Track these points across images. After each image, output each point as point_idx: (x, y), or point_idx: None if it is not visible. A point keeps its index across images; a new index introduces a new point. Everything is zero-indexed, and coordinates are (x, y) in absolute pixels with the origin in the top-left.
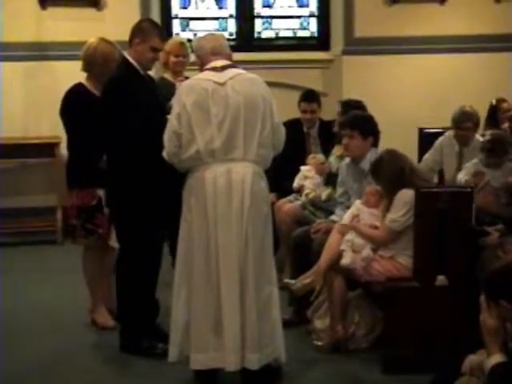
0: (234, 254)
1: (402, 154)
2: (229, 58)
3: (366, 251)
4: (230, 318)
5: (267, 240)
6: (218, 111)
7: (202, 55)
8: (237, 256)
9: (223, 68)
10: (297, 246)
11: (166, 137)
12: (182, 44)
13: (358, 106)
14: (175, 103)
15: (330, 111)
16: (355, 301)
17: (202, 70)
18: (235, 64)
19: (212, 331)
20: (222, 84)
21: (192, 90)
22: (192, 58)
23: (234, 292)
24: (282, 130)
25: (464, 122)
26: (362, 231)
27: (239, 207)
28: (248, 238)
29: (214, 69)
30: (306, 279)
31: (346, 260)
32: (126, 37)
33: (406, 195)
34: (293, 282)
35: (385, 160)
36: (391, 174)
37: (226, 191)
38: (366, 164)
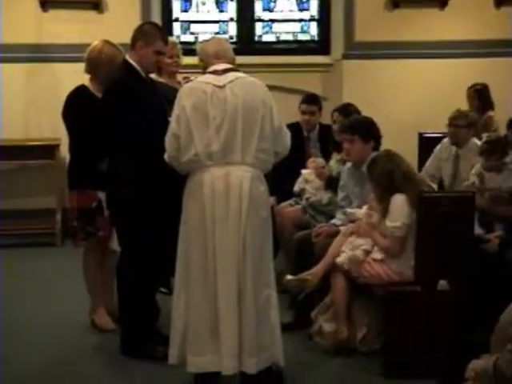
0: (231, 257)
1: (397, 157)
2: (232, 62)
3: (357, 252)
4: (227, 322)
5: (266, 244)
6: (217, 114)
7: (205, 58)
8: (235, 260)
9: (224, 71)
10: (298, 250)
11: (167, 139)
12: (174, 45)
13: (354, 111)
14: (175, 105)
15: (329, 115)
16: (364, 302)
17: (204, 73)
18: (237, 68)
19: (209, 335)
20: (222, 87)
21: (192, 92)
22: (186, 60)
23: (231, 295)
24: (286, 134)
25: (456, 118)
26: (375, 240)
27: (237, 211)
28: (246, 241)
29: (215, 72)
30: (303, 277)
31: (339, 259)
32: (126, 39)
33: (398, 201)
34: (292, 277)
35: (378, 161)
36: (381, 175)
37: (224, 195)
38: None
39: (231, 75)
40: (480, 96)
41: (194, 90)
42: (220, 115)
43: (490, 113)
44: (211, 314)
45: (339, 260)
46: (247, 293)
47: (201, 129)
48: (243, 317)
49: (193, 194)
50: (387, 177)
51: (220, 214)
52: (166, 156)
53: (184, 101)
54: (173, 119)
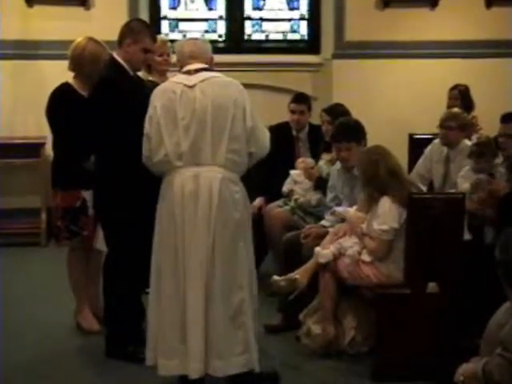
0: (200, 259)
1: (386, 152)
2: (209, 62)
3: (352, 250)
4: (193, 325)
5: (239, 246)
6: (185, 114)
7: (181, 58)
8: (203, 262)
9: (196, 71)
10: (287, 251)
11: (143, 140)
12: (164, 43)
13: (343, 111)
14: (149, 106)
15: (319, 115)
16: (352, 304)
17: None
18: (212, 68)
19: (178, 338)
20: (191, 87)
21: (163, 93)
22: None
23: (198, 298)
24: (261, 135)
25: (447, 120)
26: (365, 244)
27: (206, 212)
28: (215, 243)
29: (188, 72)
30: (291, 276)
31: (322, 258)
32: (113, 37)
33: (386, 204)
34: (278, 278)
35: (366, 151)
36: (367, 164)
37: (193, 196)
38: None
39: (203, 75)
40: (463, 97)
41: (166, 91)
42: (188, 115)
43: (474, 113)
44: (180, 317)
45: (321, 259)
46: (215, 295)
47: (170, 129)
48: (211, 320)
49: (164, 194)
50: (372, 166)
51: (189, 216)
52: (142, 156)
53: (156, 101)
54: (146, 120)
